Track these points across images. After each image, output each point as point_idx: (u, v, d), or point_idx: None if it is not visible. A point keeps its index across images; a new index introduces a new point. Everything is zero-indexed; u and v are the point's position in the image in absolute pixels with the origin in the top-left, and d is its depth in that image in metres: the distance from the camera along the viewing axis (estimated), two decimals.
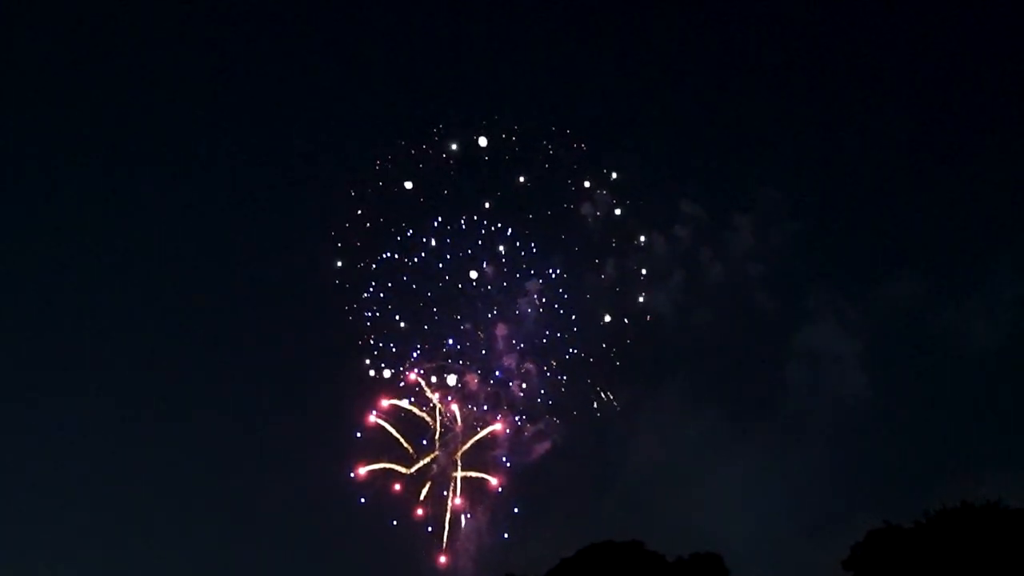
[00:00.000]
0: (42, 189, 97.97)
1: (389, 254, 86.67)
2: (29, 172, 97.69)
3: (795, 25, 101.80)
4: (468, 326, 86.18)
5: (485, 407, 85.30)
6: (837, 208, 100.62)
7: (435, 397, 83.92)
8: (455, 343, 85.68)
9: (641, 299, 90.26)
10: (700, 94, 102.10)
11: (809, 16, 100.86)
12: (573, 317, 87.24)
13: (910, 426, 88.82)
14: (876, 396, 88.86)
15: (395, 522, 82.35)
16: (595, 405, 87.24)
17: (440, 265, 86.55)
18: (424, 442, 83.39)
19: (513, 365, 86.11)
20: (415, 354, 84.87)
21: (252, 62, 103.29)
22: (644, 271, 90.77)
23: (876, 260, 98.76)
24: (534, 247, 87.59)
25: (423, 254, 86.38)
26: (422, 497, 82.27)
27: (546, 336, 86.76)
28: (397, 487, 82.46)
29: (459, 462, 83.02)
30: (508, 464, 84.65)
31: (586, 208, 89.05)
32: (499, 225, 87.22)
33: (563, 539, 67.05)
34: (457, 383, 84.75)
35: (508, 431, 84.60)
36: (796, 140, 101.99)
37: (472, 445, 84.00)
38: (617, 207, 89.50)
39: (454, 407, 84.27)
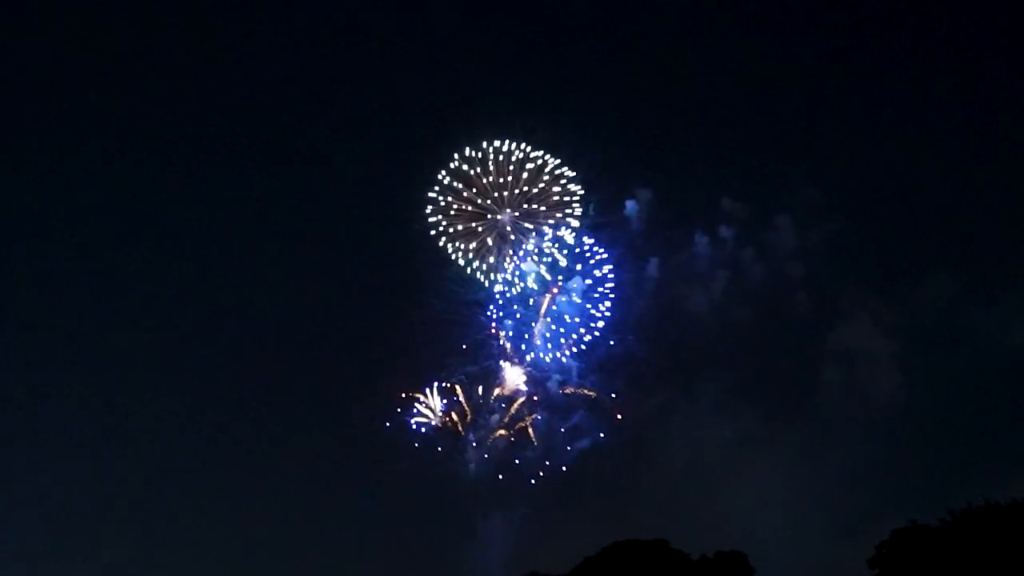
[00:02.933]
0: (104, 194, 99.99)
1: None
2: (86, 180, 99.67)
3: (835, 26, 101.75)
4: (510, 323, 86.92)
5: (522, 403, 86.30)
6: (873, 208, 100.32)
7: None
8: (496, 340, 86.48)
9: (683, 298, 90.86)
10: (742, 93, 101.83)
11: (847, 18, 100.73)
12: (613, 315, 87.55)
13: (943, 426, 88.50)
14: (910, 396, 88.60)
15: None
16: (629, 404, 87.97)
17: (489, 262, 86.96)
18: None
19: (552, 363, 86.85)
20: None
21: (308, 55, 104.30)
22: (687, 270, 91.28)
23: (911, 260, 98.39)
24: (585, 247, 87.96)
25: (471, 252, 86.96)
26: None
27: (586, 335, 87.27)
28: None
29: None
30: (546, 462, 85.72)
31: (630, 207, 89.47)
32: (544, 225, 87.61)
33: (591, 537, 67.87)
34: (497, 379, 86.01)
35: (537, 428, 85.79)
36: (834, 139, 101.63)
37: (506, 442, 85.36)
38: (661, 207, 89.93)
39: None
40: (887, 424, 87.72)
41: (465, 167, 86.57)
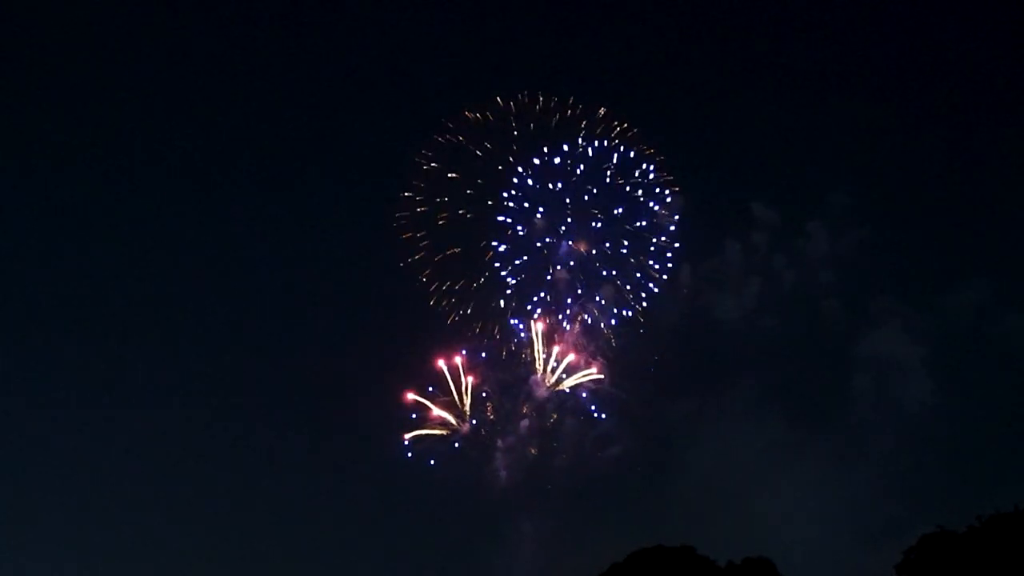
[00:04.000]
0: (118, 196, 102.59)
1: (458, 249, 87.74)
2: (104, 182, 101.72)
3: (869, 32, 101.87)
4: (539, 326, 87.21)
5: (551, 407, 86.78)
6: (904, 214, 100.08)
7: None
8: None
9: (714, 305, 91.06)
10: (772, 99, 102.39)
11: (881, 25, 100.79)
12: (643, 321, 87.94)
13: (973, 432, 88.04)
14: (940, 403, 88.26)
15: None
16: (658, 410, 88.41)
17: (514, 265, 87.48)
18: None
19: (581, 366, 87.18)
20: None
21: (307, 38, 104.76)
22: (719, 277, 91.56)
23: (942, 266, 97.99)
24: (608, 248, 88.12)
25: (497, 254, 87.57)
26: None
27: (615, 340, 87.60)
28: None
29: None
30: (574, 468, 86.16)
31: (661, 213, 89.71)
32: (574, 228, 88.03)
33: (618, 543, 68.42)
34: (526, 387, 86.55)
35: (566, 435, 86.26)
36: (867, 145, 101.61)
37: (535, 449, 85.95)
38: (693, 212, 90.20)
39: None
40: (917, 431, 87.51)
41: None
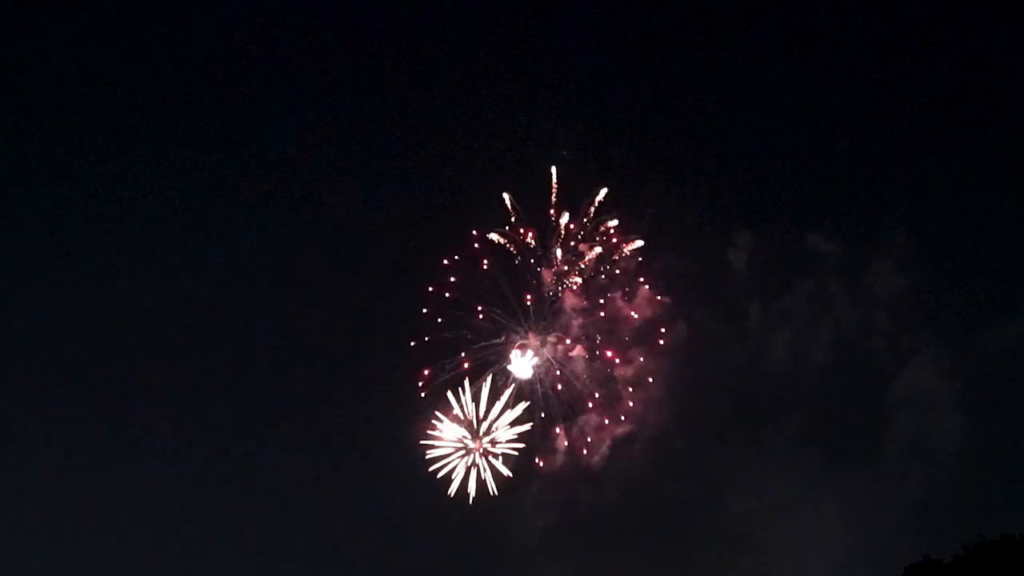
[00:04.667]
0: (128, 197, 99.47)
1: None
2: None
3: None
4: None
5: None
6: (954, 252, 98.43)
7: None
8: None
9: (779, 346, 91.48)
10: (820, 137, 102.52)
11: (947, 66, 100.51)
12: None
13: (1006, 470, 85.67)
14: (972, 442, 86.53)
15: None
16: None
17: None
18: None
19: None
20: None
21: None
22: (785, 317, 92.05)
23: (983, 305, 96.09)
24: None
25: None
26: None
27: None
28: None
29: None
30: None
31: (731, 253, 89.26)
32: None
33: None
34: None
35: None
36: (924, 184, 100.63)
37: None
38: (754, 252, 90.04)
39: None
40: (949, 468, 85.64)
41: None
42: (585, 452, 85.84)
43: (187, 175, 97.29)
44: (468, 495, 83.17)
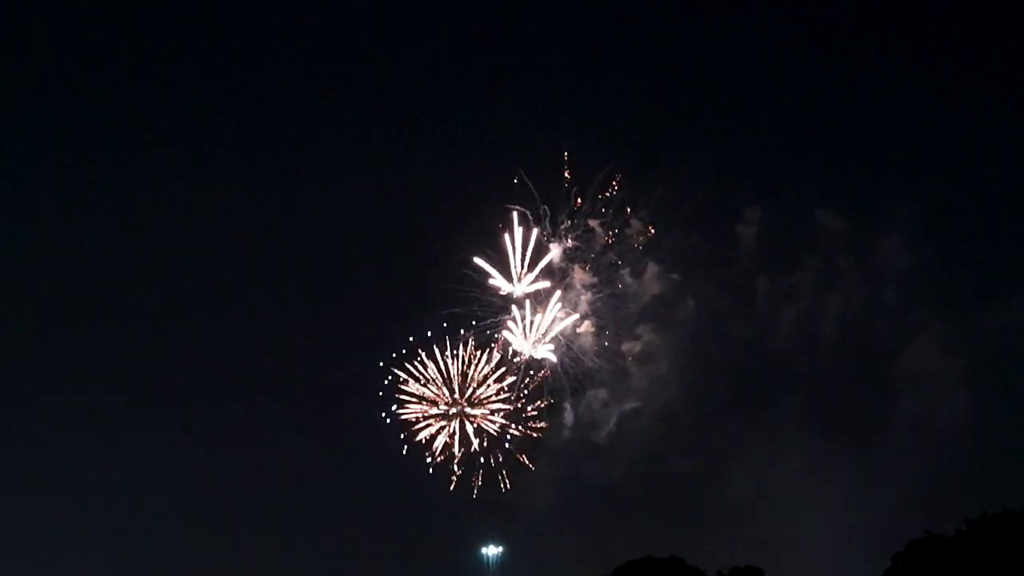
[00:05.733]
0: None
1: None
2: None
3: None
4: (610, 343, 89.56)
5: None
6: (960, 230, 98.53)
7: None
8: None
9: (786, 322, 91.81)
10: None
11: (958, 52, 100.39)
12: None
13: (1011, 453, 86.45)
14: (976, 420, 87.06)
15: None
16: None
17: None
18: None
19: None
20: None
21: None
22: (792, 294, 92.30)
23: (988, 283, 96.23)
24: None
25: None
26: None
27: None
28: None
29: None
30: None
31: (740, 228, 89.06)
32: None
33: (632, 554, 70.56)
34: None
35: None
36: (932, 160, 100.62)
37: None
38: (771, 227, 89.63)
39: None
40: (951, 448, 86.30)
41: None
42: (592, 427, 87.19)
43: (185, 175, 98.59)
44: (452, 460, 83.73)
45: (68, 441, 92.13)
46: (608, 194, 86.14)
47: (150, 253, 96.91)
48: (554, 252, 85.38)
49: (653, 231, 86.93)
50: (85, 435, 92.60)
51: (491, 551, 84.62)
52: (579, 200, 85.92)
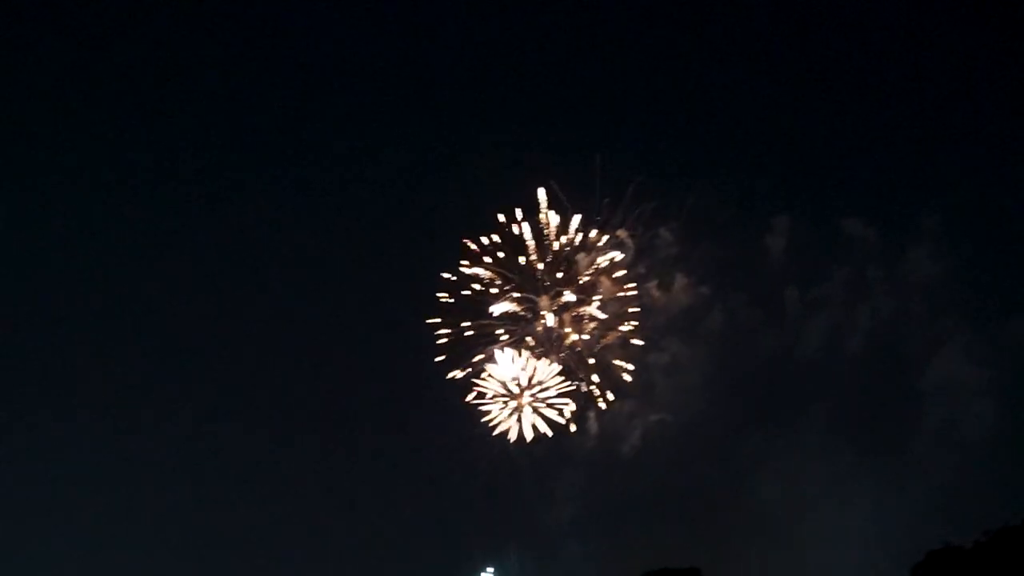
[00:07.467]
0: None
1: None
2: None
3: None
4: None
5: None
6: (988, 239, 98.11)
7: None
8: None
9: (815, 333, 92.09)
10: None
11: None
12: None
13: None
14: (1003, 429, 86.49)
15: None
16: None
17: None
18: None
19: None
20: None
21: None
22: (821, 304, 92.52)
23: (1016, 292, 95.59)
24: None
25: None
26: None
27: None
28: None
29: None
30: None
31: (769, 239, 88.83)
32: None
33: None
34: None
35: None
36: (960, 160, 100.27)
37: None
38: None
39: None
40: (978, 455, 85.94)
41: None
42: (616, 439, 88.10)
43: (185, 173, 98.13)
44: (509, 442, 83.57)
45: (80, 444, 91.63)
46: (637, 205, 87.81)
47: (159, 244, 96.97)
48: (582, 263, 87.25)
49: (680, 243, 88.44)
50: (91, 436, 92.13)
51: None
52: (608, 212, 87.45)
